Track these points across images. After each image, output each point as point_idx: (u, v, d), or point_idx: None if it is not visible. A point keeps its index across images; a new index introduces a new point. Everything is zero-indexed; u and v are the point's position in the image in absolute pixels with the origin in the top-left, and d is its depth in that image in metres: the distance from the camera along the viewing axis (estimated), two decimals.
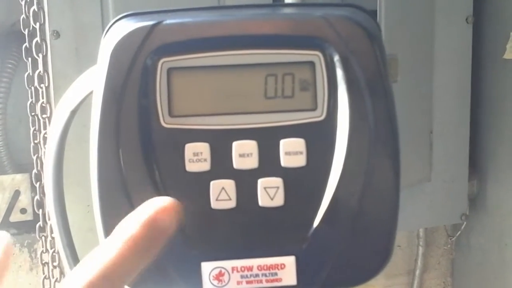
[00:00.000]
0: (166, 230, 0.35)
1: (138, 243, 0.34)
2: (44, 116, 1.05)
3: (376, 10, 1.03)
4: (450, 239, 1.49)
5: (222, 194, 0.41)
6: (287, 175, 0.41)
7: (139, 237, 0.34)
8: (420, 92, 1.19)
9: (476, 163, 1.34)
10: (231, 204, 0.41)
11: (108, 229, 0.41)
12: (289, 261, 0.42)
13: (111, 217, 0.41)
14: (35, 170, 1.08)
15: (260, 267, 0.42)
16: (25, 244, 1.31)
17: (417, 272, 1.50)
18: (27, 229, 1.30)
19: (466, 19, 1.21)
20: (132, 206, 0.40)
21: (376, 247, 0.43)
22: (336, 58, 0.41)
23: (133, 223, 0.35)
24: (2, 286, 0.37)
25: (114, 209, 0.41)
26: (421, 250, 1.49)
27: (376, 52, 0.41)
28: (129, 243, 0.34)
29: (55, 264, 1.10)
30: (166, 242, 0.36)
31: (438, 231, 1.50)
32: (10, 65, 1.23)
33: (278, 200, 0.42)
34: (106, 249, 0.34)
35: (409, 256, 1.51)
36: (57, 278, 1.10)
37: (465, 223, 1.35)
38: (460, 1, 1.21)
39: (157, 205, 0.36)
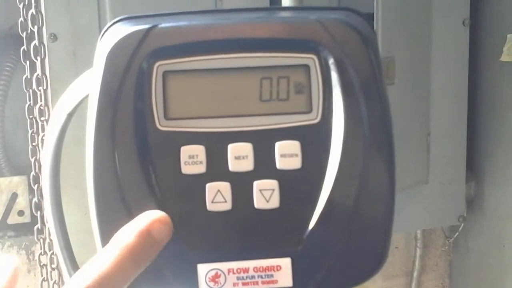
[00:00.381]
0: (159, 241, 0.38)
1: (133, 252, 0.37)
2: (42, 118, 1.05)
3: (373, 13, 1.03)
4: (448, 240, 1.49)
5: (218, 197, 0.41)
6: (283, 177, 0.42)
7: (134, 246, 0.37)
8: (417, 94, 1.20)
9: (474, 165, 1.34)
10: (227, 206, 0.42)
11: (104, 232, 0.41)
12: (285, 263, 0.42)
13: (108, 220, 0.41)
14: (33, 173, 1.08)
15: (256, 269, 0.42)
16: (22, 247, 1.31)
17: (415, 273, 1.51)
18: (24, 231, 1.30)
19: (463, 21, 1.21)
20: (128, 209, 0.40)
21: (371, 249, 0.43)
22: (331, 61, 0.41)
23: (128, 233, 0.37)
24: None
25: (110, 211, 0.41)
26: (418, 251, 1.49)
27: (371, 55, 0.41)
28: (125, 252, 0.36)
29: (53, 266, 1.10)
30: (158, 252, 0.38)
31: (435, 233, 1.50)
32: (8, 68, 1.23)
33: (274, 202, 0.42)
34: (103, 257, 0.36)
35: (407, 257, 1.51)
36: (55, 280, 1.10)
37: (462, 225, 1.35)
38: (457, 4, 1.21)
39: (151, 217, 0.38)
